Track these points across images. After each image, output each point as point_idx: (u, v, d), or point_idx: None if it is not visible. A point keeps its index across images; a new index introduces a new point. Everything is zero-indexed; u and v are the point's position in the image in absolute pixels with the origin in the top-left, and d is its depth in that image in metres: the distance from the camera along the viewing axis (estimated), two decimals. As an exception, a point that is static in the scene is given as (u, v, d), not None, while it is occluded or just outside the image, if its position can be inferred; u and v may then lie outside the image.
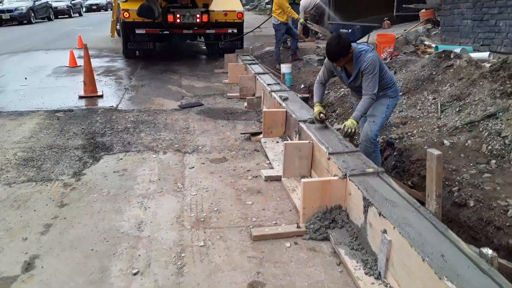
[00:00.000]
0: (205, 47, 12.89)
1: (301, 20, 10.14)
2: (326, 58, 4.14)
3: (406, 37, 10.42)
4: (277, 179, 4.22)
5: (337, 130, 4.38)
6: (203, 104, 7.13)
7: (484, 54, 7.87)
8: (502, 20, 8.18)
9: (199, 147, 5.17)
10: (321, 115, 4.36)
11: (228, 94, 7.67)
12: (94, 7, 36.79)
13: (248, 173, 4.42)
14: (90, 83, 7.58)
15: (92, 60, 7.98)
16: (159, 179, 4.28)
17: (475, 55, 7.52)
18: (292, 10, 9.67)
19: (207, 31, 10.69)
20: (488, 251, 2.16)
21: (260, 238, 3.19)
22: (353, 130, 3.93)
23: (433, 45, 9.52)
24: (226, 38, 11.01)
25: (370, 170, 3.30)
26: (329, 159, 3.65)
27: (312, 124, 4.48)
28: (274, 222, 3.45)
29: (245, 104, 6.88)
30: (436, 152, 2.58)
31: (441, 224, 2.53)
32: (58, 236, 3.29)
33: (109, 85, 8.52)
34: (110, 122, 6.10)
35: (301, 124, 4.55)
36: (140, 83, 8.71)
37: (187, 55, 12.53)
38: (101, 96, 7.56)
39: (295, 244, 3.14)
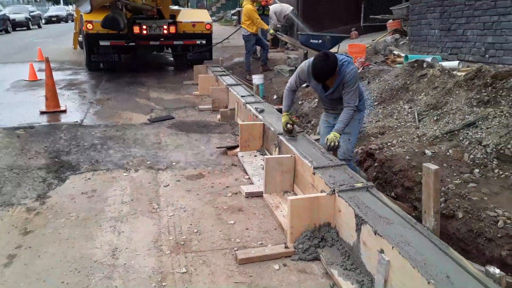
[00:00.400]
0: (172, 59, 12.62)
1: (271, 31, 10.05)
2: (300, 68, 4.05)
3: (375, 47, 10.52)
4: (259, 195, 4.02)
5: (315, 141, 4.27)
6: (174, 117, 6.87)
7: (454, 63, 7.99)
8: (470, 29, 8.34)
9: (173, 163, 4.91)
10: (288, 125, 4.26)
11: (200, 107, 7.44)
12: (54, 18, 35.78)
13: (227, 190, 4.20)
14: (52, 97, 7.17)
15: (53, 73, 7.58)
16: (132, 200, 3.99)
17: (445, 64, 7.61)
18: (261, 21, 9.58)
19: (175, 43, 10.50)
20: (495, 270, 2.03)
21: (246, 261, 2.98)
22: (336, 143, 3.79)
23: (402, 55, 9.62)
24: (194, 49, 10.81)
25: (359, 185, 3.15)
26: (314, 173, 3.49)
27: (293, 137, 4.32)
28: (260, 242, 3.24)
29: (218, 116, 6.67)
30: (433, 167, 2.45)
31: (441, 241, 2.40)
32: (23, 268, 2.96)
33: (72, 99, 8.12)
34: (75, 138, 5.74)
35: (281, 137, 4.38)
36: (105, 96, 8.35)
37: (154, 67, 12.21)
38: (65, 111, 7.16)
39: (284, 266, 2.94)
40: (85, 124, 6.49)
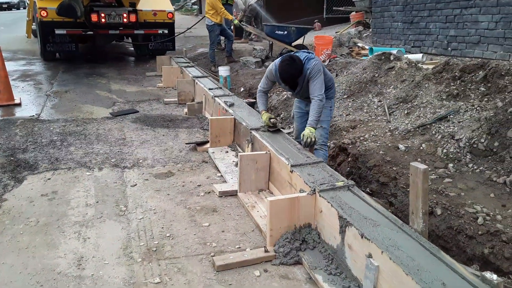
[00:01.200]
0: (133, 49, 12.15)
1: (236, 21, 9.83)
2: (269, 70, 4.09)
3: (340, 39, 10.50)
4: (233, 194, 3.85)
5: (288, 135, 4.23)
6: (138, 111, 6.56)
7: (418, 56, 8.07)
8: (432, 22, 8.44)
9: (140, 161, 4.65)
10: (272, 120, 4.30)
11: (165, 100, 7.15)
12: (5, 5, 33.86)
13: (199, 189, 4.01)
14: (5, 89, 6.69)
15: (6, 63, 7.06)
16: (97, 202, 3.73)
17: (409, 57, 7.67)
18: (225, 11, 9.35)
19: (136, 32, 10.10)
20: (493, 276, 1.98)
21: (224, 267, 2.81)
22: (312, 139, 3.68)
23: (367, 47, 9.66)
24: (156, 39, 10.43)
25: (340, 183, 3.05)
26: (292, 172, 3.35)
27: (265, 133, 4.17)
28: (238, 246, 3.08)
29: (185, 110, 6.42)
30: (421, 166, 2.36)
31: (431, 245, 2.32)
32: (-25, 283, 2.67)
33: (27, 91, 7.62)
34: (32, 134, 5.35)
35: (254, 133, 4.22)
36: (63, 88, 7.89)
37: (114, 57, 11.72)
38: (19, 105, 6.70)
39: (266, 272, 2.79)
40: (42, 118, 6.08)
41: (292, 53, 4.09)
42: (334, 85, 4.30)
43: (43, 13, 9.00)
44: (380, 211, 2.69)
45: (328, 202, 2.82)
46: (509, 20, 6.70)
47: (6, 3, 34.23)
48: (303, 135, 3.72)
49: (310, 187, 3.05)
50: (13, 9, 33.99)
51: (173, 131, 5.64)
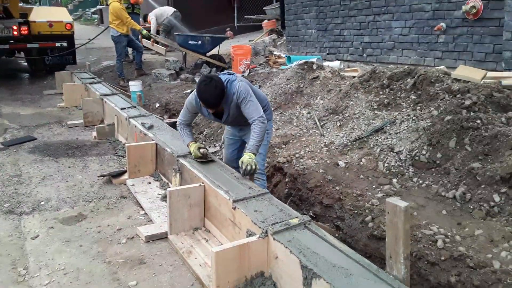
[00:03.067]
0: (26, 64, 10.84)
1: (144, 32, 9.10)
2: (188, 101, 3.62)
3: (255, 48, 10.20)
4: (163, 237, 3.23)
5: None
6: (36, 138, 5.62)
7: (336, 63, 7.99)
8: (346, 29, 8.45)
9: (42, 203, 3.83)
10: (201, 150, 3.66)
11: (69, 122, 6.24)
12: None
13: (120, 234, 3.32)
14: None
15: None
16: (-15, 266, 2.90)
17: (327, 64, 7.55)
18: (132, 21, 8.60)
19: (29, 46, 8.99)
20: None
21: None
22: (253, 166, 3.20)
23: (283, 55, 9.47)
24: (54, 53, 9.36)
25: (295, 221, 2.60)
26: (235, 208, 2.84)
27: (196, 160, 3.62)
28: (177, 310, 2.50)
29: (94, 133, 5.61)
30: (402, 203, 1.99)
31: (418, 295, 1.95)
32: None
33: None
34: None
35: (182, 161, 3.64)
36: None
37: (4, 74, 10.32)
38: None
39: None
40: None
41: (225, 73, 3.60)
42: (269, 105, 3.88)
43: None
44: (348, 254, 2.27)
45: (286, 247, 2.35)
46: (421, 25, 6.82)
47: None
48: (242, 161, 3.23)
49: (260, 227, 2.56)
50: None
51: (81, 161, 4.83)
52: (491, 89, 4.22)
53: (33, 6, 11.39)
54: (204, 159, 3.64)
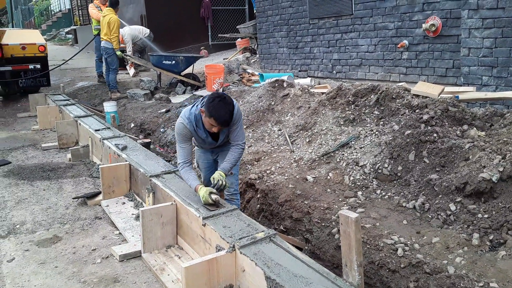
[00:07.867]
0: (-1, 87, 10.79)
1: (119, 52, 9.21)
2: (179, 132, 3.37)
3: (229, 66, 10.43)
4: (137, 255, 3.33)
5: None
6: (10, 162, 5.64)
7: (307, 80, 8.26)
8: (316, 47, 8.74)
9: (17, 226, 3.88)
10: (214, 196, 3.18)
11: (43, 145, 6.28)
12: None
13: (94, 254, 3.41)
14: None
15: None
16: (-39, 291, 2.96)
17: (299, 81, 7.81)
18: (117, 38, 8.72)
19: (2, 69, 8.99)
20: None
21: None
22: (223, 183, 3.34)
23: (256, 73, 9.70)
24: (27, 75, 9.37)
25: (261, 235, 2.75)
26: (204, 225, 2.98)
27: (170, 180, 3.74)
28: (150, 325, 2.60)
29: (69, 156, 5.66)
30: (352, 214, 2.16)
31: (372, 299, 2.11)
32: None
33: None
34: None
35: (155, 180, 3.76)
36: None
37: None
38: None
39: None
40: None
41: (204, 96, 3.44)
42: None
43: None
44: (309, 264, 2.43)
45: (252, 260, 2.49)
46: (386, 43, 7.14)
47: None
48: (214, 178, 3.35)
49: (228, 242, 2.70)
50: None
51: (55, 183, 4.89)
52: (447, 104, 4.50)
53: (5, 29, 11.41)
54: (215, 208, 3.16)
